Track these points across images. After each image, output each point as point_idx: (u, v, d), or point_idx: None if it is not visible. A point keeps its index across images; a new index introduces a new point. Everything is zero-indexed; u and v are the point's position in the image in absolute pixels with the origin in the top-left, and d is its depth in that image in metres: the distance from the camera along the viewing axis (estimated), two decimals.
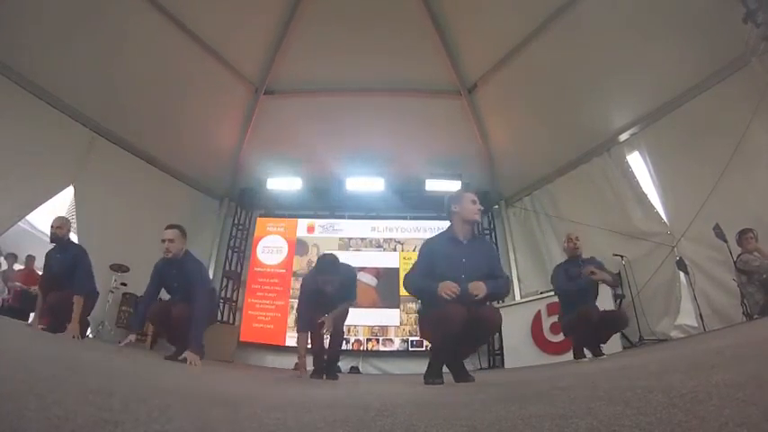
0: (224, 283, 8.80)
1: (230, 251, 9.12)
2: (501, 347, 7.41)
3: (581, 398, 1.18)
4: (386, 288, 8.64)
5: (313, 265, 8.75)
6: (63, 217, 5.19)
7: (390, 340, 8.17)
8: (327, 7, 7.60)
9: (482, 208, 3.20)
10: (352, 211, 9.34)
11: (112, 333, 6.66)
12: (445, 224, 3.17)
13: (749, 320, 4.72)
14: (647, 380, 1.42)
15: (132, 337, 4.18)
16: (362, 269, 8.44)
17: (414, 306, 8.36)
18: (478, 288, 2.73)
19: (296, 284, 8.55)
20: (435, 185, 8.94)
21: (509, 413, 1.07)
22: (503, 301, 8.30)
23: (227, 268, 8.89)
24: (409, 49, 8.08)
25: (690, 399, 0.92)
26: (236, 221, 9.38)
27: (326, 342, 4.39)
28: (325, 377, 4.19)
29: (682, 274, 5.92)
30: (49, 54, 6.02)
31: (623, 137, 7.10)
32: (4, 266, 7.83)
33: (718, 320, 5.35)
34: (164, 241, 4.07)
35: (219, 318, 8.48)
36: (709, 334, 5.00)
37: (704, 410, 0.81)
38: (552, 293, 6.96)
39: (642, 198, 6.70)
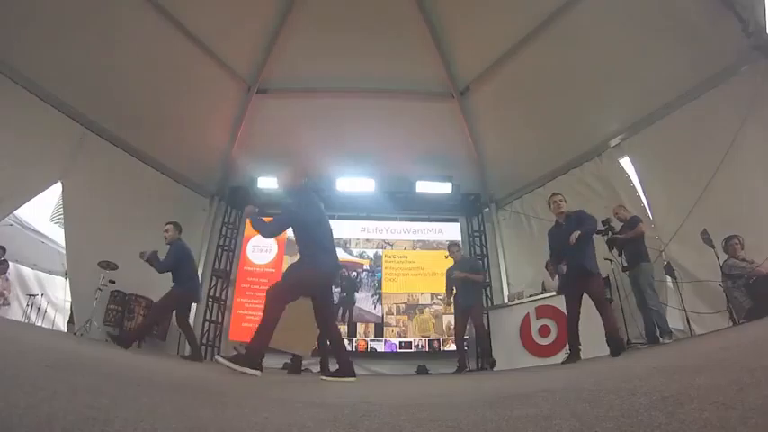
0: (213, 282, 8.75)
1: (220, 250, 9.06)
2: (490, 350, 7.43)
3: (565, 400, 1.20)
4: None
5: None
6: None
7: (380, 341, 8.17)
8: (321, 8, 7.58)
9: None
10: (342, 211, 9.25)
11: (100, 331, 6.60)
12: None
13: (735, 325, 4.78)
14: (631, 382, 1.44)
15: None
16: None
17: (403, 307, 8.40)
18: None
19: None
20: (426, 187, 8.93)
21: (494, 414, 1.09)
22: (491, 304, 8.38)
23: (217, 267, 8.84)
24: (402, 50, 8.08)
25: (672, 402, 0.94)
26: (225, 220, 9.31)
27: None
28: None
29: (669, 279, 5.99)
30: (41, 48, 5.93)
31: (614, 142, 7.17)
32: None
33: (704, 325, 5.41)
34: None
35: (208, 317, 8.45)
36: (696, 338, 5.06)
37: (685, 413, 0.83)
38: (541, 296, 7.03)
39: (632, 203, 6.74)
